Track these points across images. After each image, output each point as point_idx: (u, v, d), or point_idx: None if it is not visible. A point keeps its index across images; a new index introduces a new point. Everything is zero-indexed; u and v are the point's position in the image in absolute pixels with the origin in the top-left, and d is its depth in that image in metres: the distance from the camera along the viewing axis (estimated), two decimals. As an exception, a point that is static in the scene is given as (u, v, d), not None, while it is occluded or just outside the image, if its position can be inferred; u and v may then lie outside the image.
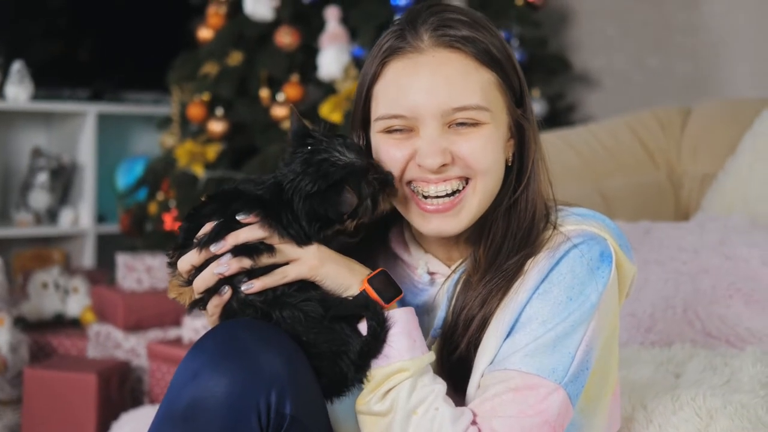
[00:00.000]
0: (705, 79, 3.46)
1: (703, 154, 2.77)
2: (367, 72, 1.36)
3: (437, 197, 1.33)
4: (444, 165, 1.31)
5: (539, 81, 3.60)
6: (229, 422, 1.20)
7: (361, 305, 1.28)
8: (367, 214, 1.31)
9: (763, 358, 1.87)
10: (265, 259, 1.28)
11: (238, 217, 1.29)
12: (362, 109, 1.38)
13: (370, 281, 1.29)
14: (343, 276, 1.30)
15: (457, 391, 1.33)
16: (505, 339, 1.30)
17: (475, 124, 1.31)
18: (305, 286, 1.30)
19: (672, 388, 1.72)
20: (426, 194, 1.33)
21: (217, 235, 1.29)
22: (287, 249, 1.29)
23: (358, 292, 1.29)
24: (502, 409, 1.25)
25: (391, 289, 1.30)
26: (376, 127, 1.35)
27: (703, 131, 2.79)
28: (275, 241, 1.29)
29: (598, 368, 1.34)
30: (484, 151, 1.32)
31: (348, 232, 1.34)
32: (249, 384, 1.21)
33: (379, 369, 1.26)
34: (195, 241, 1.31)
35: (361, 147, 1.34)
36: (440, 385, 1.27)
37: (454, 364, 1.34)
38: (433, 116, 1.30)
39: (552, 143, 2.83)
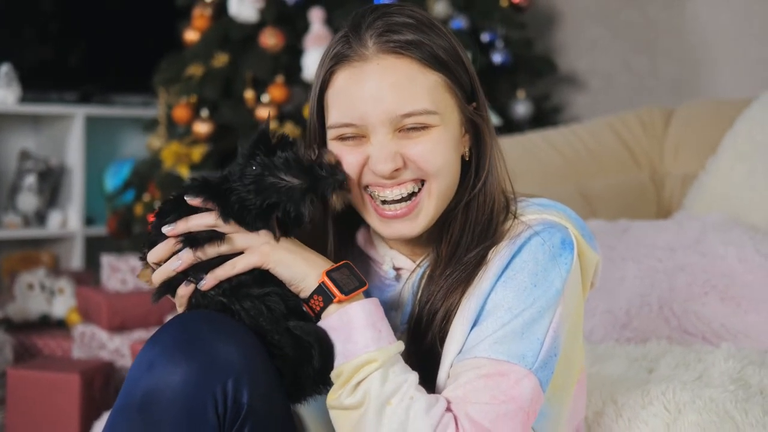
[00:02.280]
0: (690, 80, 3.48)
1: (685, 154, 2.77)
2: (317, 79, 1.37)
3: (394, 202, 1.34)
4: (397, 170, 1.32)
5: (525, 82, 3.62)
6: (185, 411, 1.20)
7: (310, 333, 1.28)
8: (317, 216, 1.32)
9: (736, 354, 1.87)
10: (211, 249, 1.29)
11: (186, 198, 1.30)
12: (316, 114, 1.39)
13: (329, 273, 1.29)
14: (297, 265, 1.30)
15: (426, 384, 1.33)
16: (471, 328, 1.31)
17: (424, 127, 1.32)
18: (264, 279, 1.30)
19: (643, 383, 1.72)
20: (383, 199, 1.35)
21: (172, 219, 1.32)
22: (237, 238, 1.30)
23: (316, 284, 1.29)
24: (475, 395, 1.25)
25: (353, 281, 1.30)
26: (329, 135, 1.37)
27: (685, 132, 2.80)
28: (223, 226, 1.30)
29: (563, 357, 1.34)
30: (434, 153, 1.33)
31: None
32: (205, 373, 1.21)
33: (346, 363, 1.26)
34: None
35: (304, 161, 1.32)
36: (413, 375, 1.27)
37: (422, 357, 1.34)
38: (381, 123, 1.31)
39: (535, 144, 2.85)
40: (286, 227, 1.31)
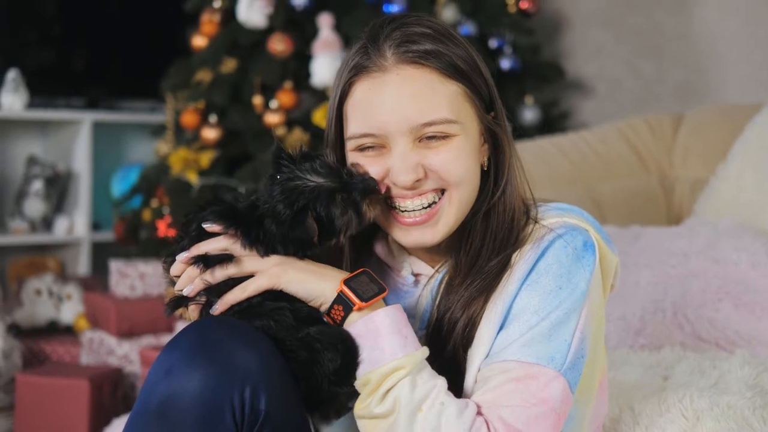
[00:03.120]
0: (697, 85, 3.48)
1: (695, 159, 2.78)
2: (336, 90, 1.38)
3: (414, 210, 1.34)
4: (418, 180, 1.32)
5: (533, 88, 3.62)
6: (203, 418, 1.20)
7: (333, 335, 1.27)
8: (352, 226, 1.32)
9: (751, 360, 1.87)
10: (220, 273, 1.29)
11: (203, 225, 1.31)
12: (335, 126, 1.39)
13: (347, 282, 1.29)
14: (310, 282, 1.29)
15: (450, 389, 1.33)
16: (498, 332, 1.31)
17: (445, 136, 1.33)
18: (277, 296, 1.30)
19: (660, 390, 1.72)
20: (404, 209, 1.35)
21: (188, 244, 1.33)
22: (247, 262, 1.30)
23: (335, 294, 1.28)
24: (506, 398, 1.25)
25: (372, 287, 1.30)
26: (348, 146, 1.37)
27: (695, 137, 2.80)
28: (237, 251, 1.30)
29: (588, 359, 1.34)
30: (456, 163, 1.33)
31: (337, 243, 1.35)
32: (222, 379, 1.21)
33: (373, 371, 1.25)
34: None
35: (332, 165, 1.33)
36: (441, 380, 1.27)
37: (444, 363, 1.34)
38: (402, 133, 1.32)
39: (544, 149, 2.85)
40: (320, 232, 1.30)
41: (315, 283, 1.29)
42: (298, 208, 1.28)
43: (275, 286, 1.29)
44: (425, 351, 1.29)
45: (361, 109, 1.34)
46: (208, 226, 1.31)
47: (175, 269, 1.34)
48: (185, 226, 1.34)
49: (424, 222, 1.34)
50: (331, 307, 1.29)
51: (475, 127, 1.36)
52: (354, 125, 1.35)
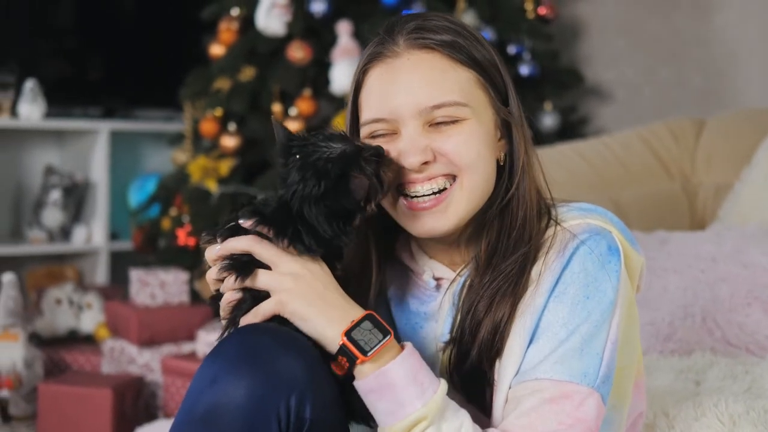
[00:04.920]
0: (717, 91, 3.47)
1: (718, 164, 2.76)
2: (353, 82, 1.38)
3: (425, 195, 1.33)
4: (426, 163, 1.31)
5: (551, 94, 3.61)
6: (249, 427, 1.18)
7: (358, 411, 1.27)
8: (378, 192, 1.30)
9: (783, 365, 1.86)
10: (229, 284, 1.28)
11: (239, 220, 1.30)
12: (351, 118, 1.39)
13: (349, 334, 1.24)
14: (314, 322, 1.26)
15: (470, 402, 1.32)
16: (527, 347, 1.29)
17: (455, 121, 1.32)
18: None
19: (693, 395, 1.71)
20: (414, 194, 1.33)
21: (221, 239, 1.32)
22: (261, 276, 1.27)
23: (337, 346, 1.24)
24: (541, 423, 1.23)
25: (376, 335, 1.25)
26: (362, 134, 1.36)
27: (717, 142, 2.79)
28: (258, 252, 1.28)
29: (620, 366, 1.33)
30: (467, 146, 1.31)
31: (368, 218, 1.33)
32: (268, 388, 1.19)
33: (396, 424, 1.23)
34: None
35: (344, 133, 1.32)
36: (466, 417, 1.24)
37: (467, 373, 1.32)
38: (412, 116, 1.31)
39: (564, 155, 2.84)
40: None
41: (319, 325, 1.26)
42: (336, 175, 1.26)
43: (281, 313, 1.26)
44: (444, 387, 1.25)
45: (374, 96, 1.34)
46: (243, 222, 1.30)
47: (207, 257, 1.33)
48: (228, 220, 1.33)
49: (433, 207, 1.32)
50: (336, 356, 1.25)
51: (489, 116, 1.34)
52: (367, 112, 1.35)
